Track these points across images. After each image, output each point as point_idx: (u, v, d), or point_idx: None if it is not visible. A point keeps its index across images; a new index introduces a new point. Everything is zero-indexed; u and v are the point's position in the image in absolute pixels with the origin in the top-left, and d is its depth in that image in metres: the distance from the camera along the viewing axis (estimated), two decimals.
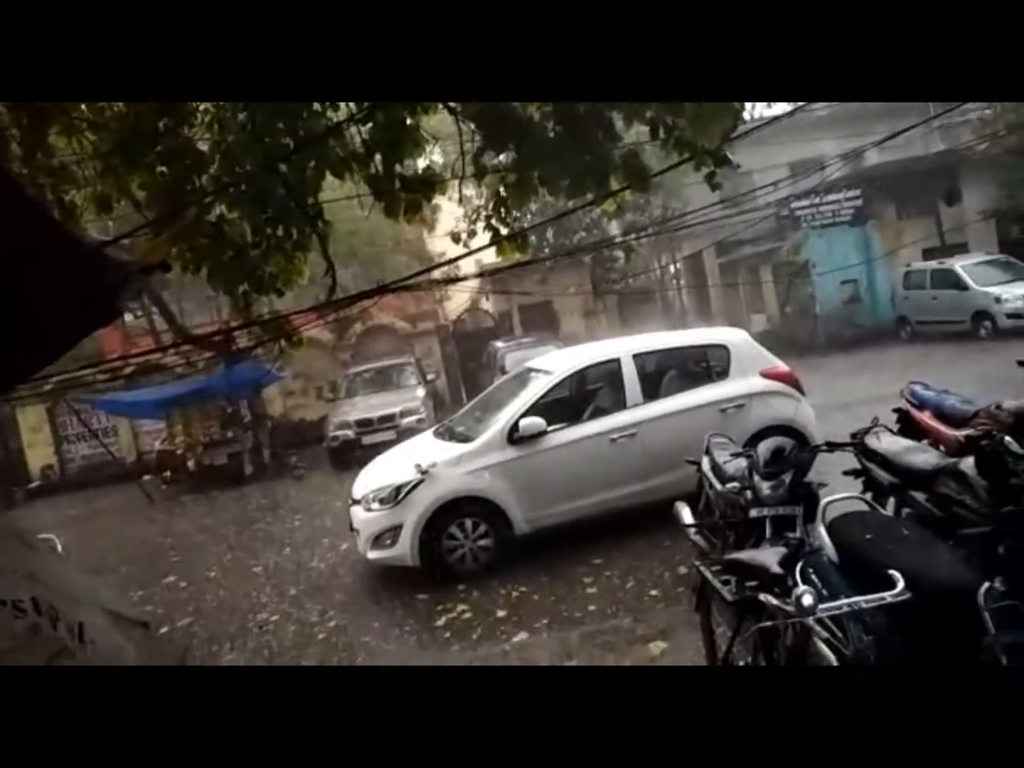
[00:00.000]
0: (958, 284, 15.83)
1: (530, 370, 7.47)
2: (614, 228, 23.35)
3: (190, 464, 14.73)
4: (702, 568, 3.51)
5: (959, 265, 16.28)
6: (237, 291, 5.06)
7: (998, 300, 14.91)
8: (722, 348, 6.92)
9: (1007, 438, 3.58)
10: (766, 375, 6.76)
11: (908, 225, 19.39)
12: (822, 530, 3.35)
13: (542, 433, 6.42)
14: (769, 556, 2.91)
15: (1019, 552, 2.83)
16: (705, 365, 7.09)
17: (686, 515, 4.94)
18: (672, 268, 24.52)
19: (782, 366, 6.96)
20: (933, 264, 17.23)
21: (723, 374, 6.81)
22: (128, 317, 16.65)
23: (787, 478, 4.12)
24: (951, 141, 19.37)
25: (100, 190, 4.79)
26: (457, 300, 24.50)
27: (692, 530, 4.95)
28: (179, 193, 4.56)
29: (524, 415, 6.46)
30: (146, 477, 15.03)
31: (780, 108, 18.54)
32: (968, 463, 3.68)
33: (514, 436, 6.42)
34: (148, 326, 17.41)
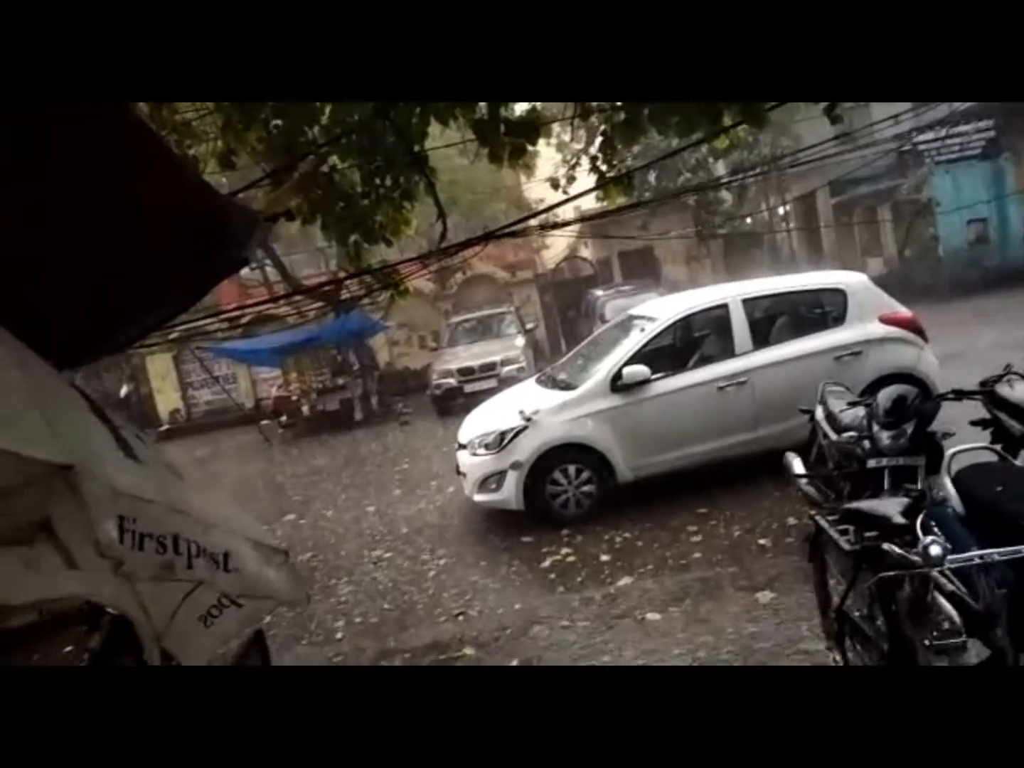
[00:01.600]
0: None
1: (633, 317, 7.39)
2: (720, 168, 22.45)
3: (304, 409, 15.51)
4: (817, 517, 3.44)
5: None
6: (348, 241, 5.22)
7: None
8: (838, 292, 6.62)
9: None
10: (886, 320, 6.43)
11: None
12: (947, 481, 3.21)
13: (646, 381, 6.37)
14: (891, 506, 2.84)
15: None
16: (820, 310, 6.81)
17: (797, 465, 4.82)
18: (782, 210, 23.41)
19: (904, 311, 6.60)
20: None
21: (839, 320, 6.53)
22: (243, 270, 17.49)
23: (909, 428, 3.97)
24: None
25: (221, 146, 5.00)
26: (556, 248, 24.33)
27: (804, 480, 4.84)
28: (294, 145, 4.72)
29: (627, 363, 6.42)
30: (264, 422, 15.93)
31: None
32: None
33: (617, 384, 6.40)
34: (262, 278, 18.22)
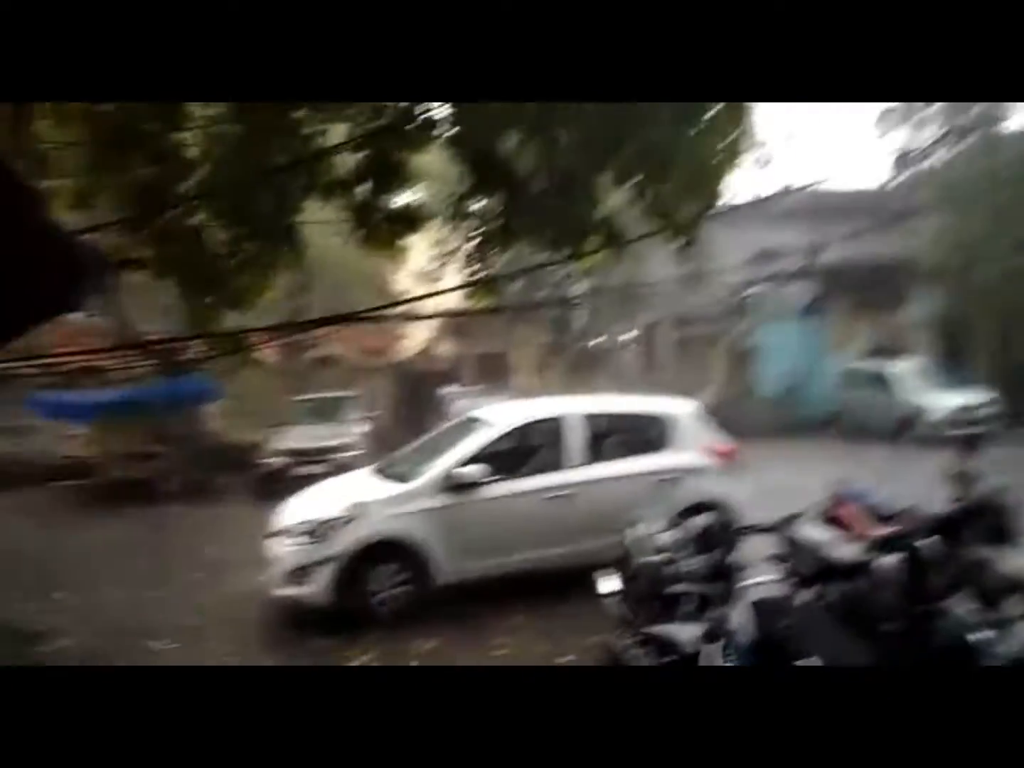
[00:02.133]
0: (891, 388, 16.43)
1: (474, 419, 7.41)
2: (580, 288, 23.77)
3: (111, 474, 14.13)
4: (617, 640, 3.44)
5: (895, 369, 16.94)
6: (201, 301, 4.93)
7: (926, 408, 15.50)
8: (668, 418, 6.98)
9: (925, 541, 3.65)
10: (708, 451, 6.81)
11: (856, 324, 20.14)
12: (742, 612, 3.32)
13: (478, 483, 6.32)
14: (686, 632, 2.87)
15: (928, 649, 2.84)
16: (649, 433, 7.12)
17: (607, 584, 4.87)
18: (629, 335, 24.95)
19: (726, 443, 7.04)
20: (872, 365, 17.87)
21: (666, 444, 6.85)
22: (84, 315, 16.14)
23: (713, 556, 4.12)
24: (905, 248, 20.34)
25: (80, 184, 4.63)
26: (413, 340, 24.46)
27: (613, 599, 4.88)
28: (162, 194, 4.46)
29: (463, 463, 6.36)
30: (61, 482, 14.33)
31: (749, 195, 19.32)
32: (887, 561, 3.72)
33: (450, 483, 6.31)
34: (96, 324, 16.83)
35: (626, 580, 5.06)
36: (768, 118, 52.43)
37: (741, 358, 19.45)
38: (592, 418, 6.97)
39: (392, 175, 4.54)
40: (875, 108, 23.53)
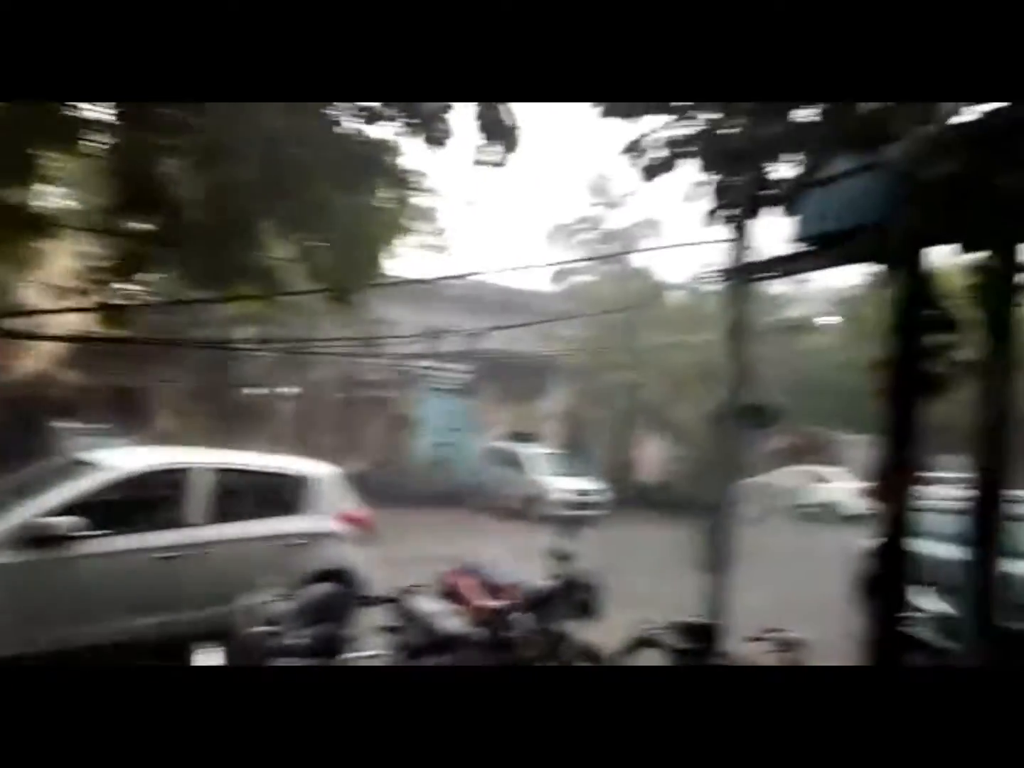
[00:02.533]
0: (523, 468, 18.27)
1: (82, 461, 6.42)
2: (242, 334, 22.52)
3: None
4: None
5: (528, 452, 18.91)
6: None
7: (549, 489, 17.55)
8: (304, 480, 6.76)
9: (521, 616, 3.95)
10: (342, 517, 6.72)
11: (501, 408, 22.04)
12: None
13: (68, 537, 5.42)
14: None
15: None
16: (283, 494, 6.81)
17: (208, 658, 4.45)
18: (290, 390, 24.20)
19: (360, 511, 7.01)
20: (509, 445, 19.74)
21: (299, 507, 6.60)
22: None
23: (323, 629, 4.00)
24: (548, 347, 23.01)
25: None
26: (31, 360, 20.88)
27: None
28: None
29: (54, 512, 5.42)
30: None
31: (425, 275, 20.33)
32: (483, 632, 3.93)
33: (31, 535, 5.31)
34: None
35: (229, 653, 4.69)
36: (450, 210, 56.38)
37: (399, 426, 20.01)
38: (223, 473, 6.47)
39: (21, 168, 3.89)
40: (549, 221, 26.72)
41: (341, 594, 4.31)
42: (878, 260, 3.86)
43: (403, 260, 20.97)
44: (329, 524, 6.59)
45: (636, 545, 14.61)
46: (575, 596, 5.21)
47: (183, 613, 5.75)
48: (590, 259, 27.83)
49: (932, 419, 4.37)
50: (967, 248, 3.69)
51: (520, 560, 8.10)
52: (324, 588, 4.41)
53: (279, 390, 23.60)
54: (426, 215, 21.23)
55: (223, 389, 21.79)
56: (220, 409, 22.31)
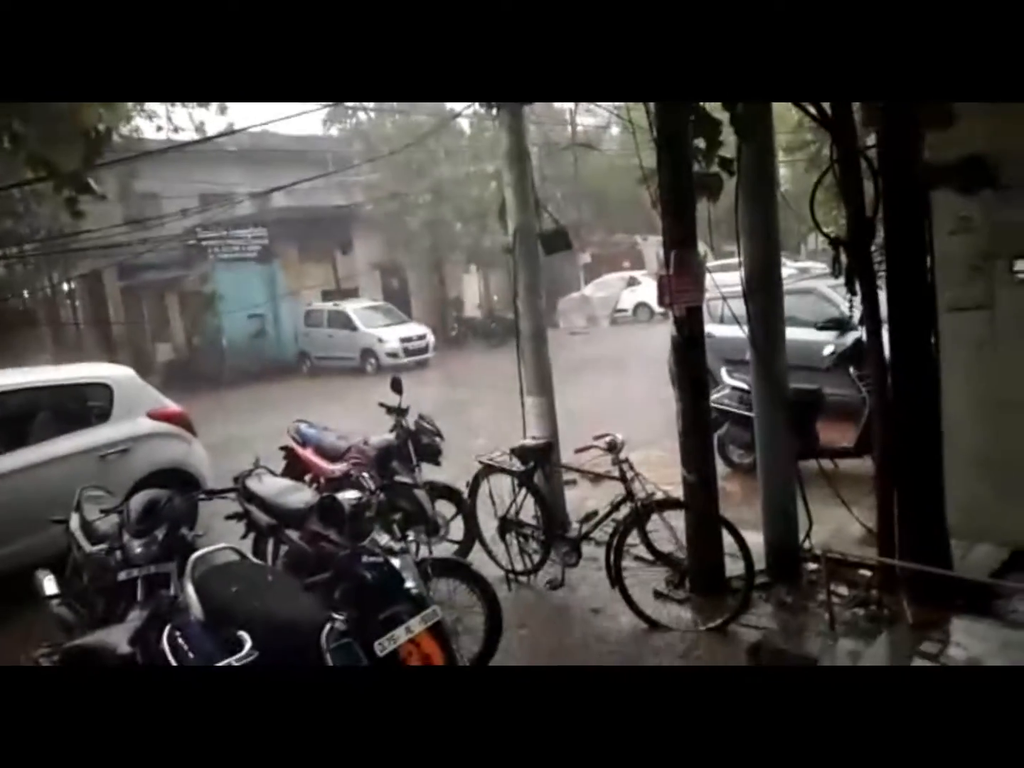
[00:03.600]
0: (349, 324, 17.87)
1: None
2: None
3: None
4: (41, 655, 2.97)
5: (350, 308, 18.43)
6: None
7: (380, 341, 17.34)
8: (103, 387, 6.19)
9: (363, 475, 3.98)
10: (154, 416, 6.30)
11: (309, 268, 21.07)
12: (189, 587, 3.16)
13: None
14: (118, 634, 2.59)
15: (353, 592, 3.10)
16: (83, 406, 6.24)
17: (49, 585, 4.19)
18: (65, 288, 21.65)
19: (172, 406, 6.59)
20: (329, 305, 19.12)
21: (104, 416, 6.09)
22: None
23: (160, 533, 3.84)
24: (347, 197, 21.87)
25: None
26: None
27: (55, 601, 4.22)
28: None
29: None
30: None
31: (187, 135, 18.23)
32: (338, 497, 3.92)
33: None
34: None
35: (70, 576, 4.44)
36: None
37: (203, 305, 18.65)
38: (7, 395, 5.80)
39: None
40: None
41: (172, 494, 4.10)
42: None
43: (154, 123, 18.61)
44: (144, 426, 6.17)
45: (469, 379, 15.09)
46: (418, 443, 5.33)
47: (12, 545, 5.31)
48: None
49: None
50: None
51: (361, 416, 8.13)
52: (149, 493, 4.17)
53: (52, 290, 21.08)
54: None
55: None
56: None
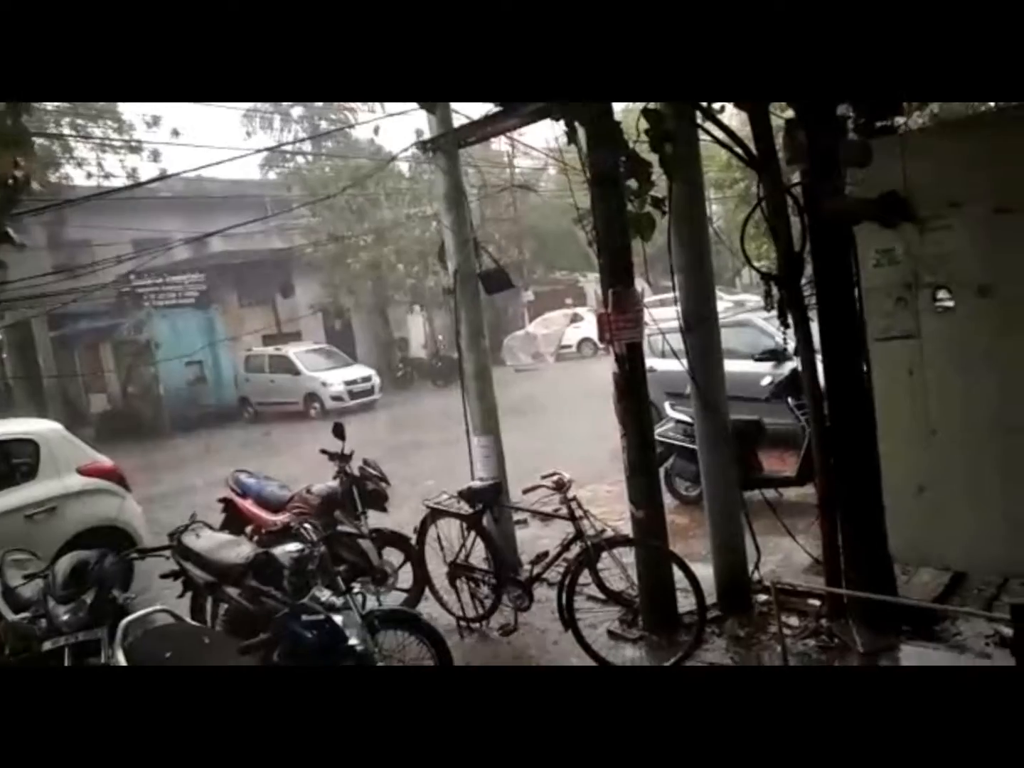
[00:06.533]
0: (291, 369, 17.57)
1: None
2: None
3: None
4: None
5: (292, 352, 18.14)
6: None
7: (324, 384, 17.08)
8: (29, 443, 5.91)
9: (305, 525, 3.85)
10: (84, 472, 6.03)
11: (249, 312, 20.74)
12: (119, 655, 2.99)
13: None
14: None
15: (293, 654, 2.98)
16: (7, 464, 5.93)
17: None
18: None
19: (103, 460, 6.33)
20: (270, 350, 18.81)
21: (31, 474, 5.81)
22: None
23: (88, 597, 3.63)
24: (287, 240, 21.68)
25: None
26: None
27: None
28: None
29: None
30: None
31: (119, 182, 17.89)
32: (278, 551, 3.78)
33: None
34: None
35: None
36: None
37: (138, 354, 18.11)
38: None
39: None
40: (242, 106, 24.32)
41: (102, 554, 3.90)
42: (568, 113, 3.95)
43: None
44: (73, 482, 5.90)
45: (416, 421, 14.95)
46: (363, 489, 5.20)
47: None
48: (302, 139, 26.06)
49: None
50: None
51: (305, 463, 7.95)
52: (77, 555, 3.96)
53: None
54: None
55: None
56: None
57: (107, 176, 18.54)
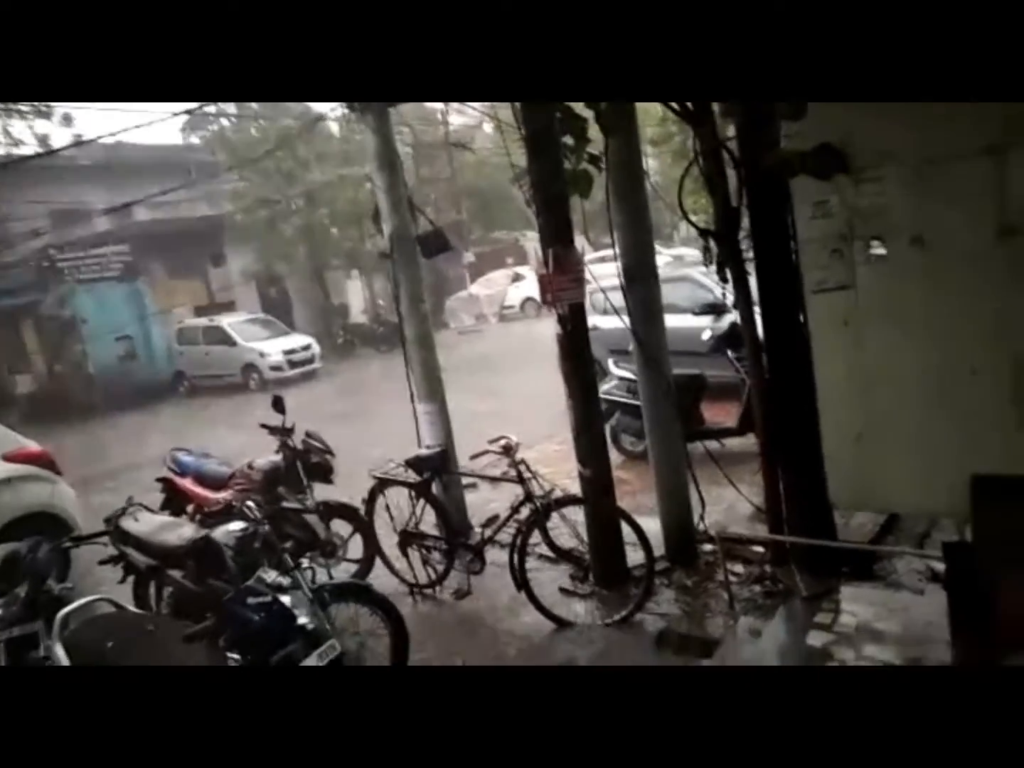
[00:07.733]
0: (227, 340, 17.04)
1: None
2: None
3: None
4: None
5: (226, 322, 17.58)
6: None
7: (262, 355, 16.64)
8: None
9: (248, 503, 3.75)
10: (10, 458, 5.75)
11: (179, 283, 19.99)
12: (58, 648, 2.88)
13: None
14: None
15: (240, 637, 2.91)
16: None
17: None
18: None
19: (31, 445, 6.05)
20: (204, 321, 18.18)
21: None
22: None
23: (22, 590, 3.48)
24: (215, 207, 20.82)
25: None
26: None
27: None
28: None
29: None
30: None
31: (30, 149, 16.87)
32: (220, 532, 3.68)
33: None
34: None
35: None
36: None
37: (63, 331, 17.31)
38: None
39: None
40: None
41: (34, 544, 3.73)
42: None
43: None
44: (1, 469, 5.63)
45: (359, 388, 14.73)
46: (307, 462, 5.10)
47: None
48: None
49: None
50: None
51: (247, 437, 7.73)
52: (10, 545, 3.79)
53: None
54: None
55: None
56: None
57: (16, 143, 17.45)
